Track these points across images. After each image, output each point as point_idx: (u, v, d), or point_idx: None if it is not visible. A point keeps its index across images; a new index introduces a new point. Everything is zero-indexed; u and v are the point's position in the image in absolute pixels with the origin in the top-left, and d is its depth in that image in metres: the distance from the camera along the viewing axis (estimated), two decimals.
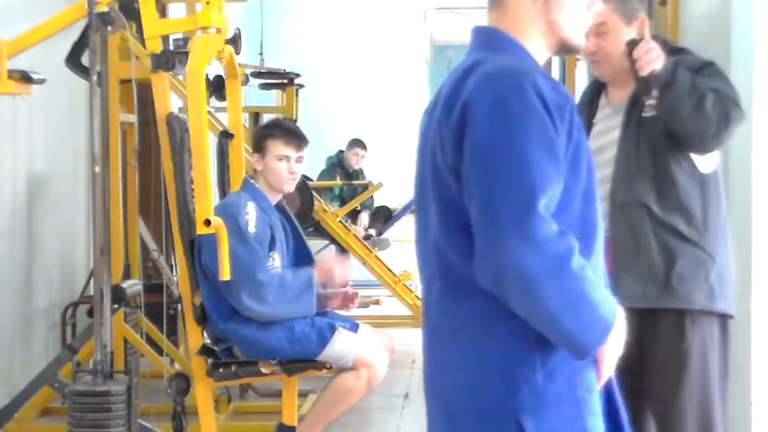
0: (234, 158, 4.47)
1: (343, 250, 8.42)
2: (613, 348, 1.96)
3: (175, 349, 5.70)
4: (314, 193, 7.22)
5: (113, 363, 4.15)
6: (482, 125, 1.92)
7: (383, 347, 4.30)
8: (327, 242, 7.94)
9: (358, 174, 9.52)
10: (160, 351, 5.15)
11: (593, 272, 1.94)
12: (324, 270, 4.26)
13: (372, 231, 9.03)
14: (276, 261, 4.14)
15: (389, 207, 9.43)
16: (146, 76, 4.29)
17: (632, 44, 2.89)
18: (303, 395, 5.31)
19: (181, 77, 4.83)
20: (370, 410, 5.66)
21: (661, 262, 2.99)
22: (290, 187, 4.34)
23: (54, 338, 6.08)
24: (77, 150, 6.49)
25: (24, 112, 5.56)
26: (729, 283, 3.05)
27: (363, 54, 11.39)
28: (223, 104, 4.65)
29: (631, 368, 2.14)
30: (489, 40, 2.10)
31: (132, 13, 4.30)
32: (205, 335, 4.23)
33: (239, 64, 4.58)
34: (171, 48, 4.31)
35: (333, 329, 4.11)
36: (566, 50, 2.16)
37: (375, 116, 11.15)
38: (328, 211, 7.30)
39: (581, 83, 4.94)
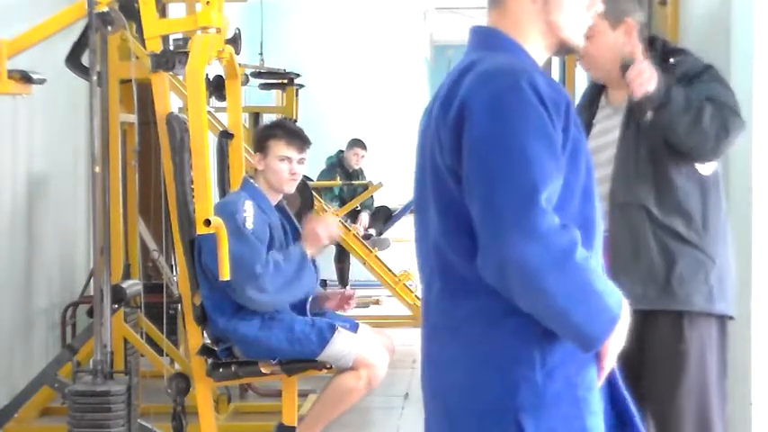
0: (234, 158, 4.47)
1: (342, 250, 8.44)
2: (617, 341, 1.96)
3: (175, 349, 5.70)
4: (314, 193, 7.22)
5: (113, 363, 4.15)
6: (480, 123, 1.92)
7: (383, 348, 4.31)
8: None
9: (358, 174, 9.53)
10: (160, 351, 5.15)
11: None
12: (311, 237, 4.22)
13: (372, 231, 9.04)
14: None
15: (389, 207, 9.44)
16: (146, 76, 4.29)
17: (625, 67, 2.88)
18: (303, 395, 5.31)
19: (181, 77, 4.83)
20: (370, 410, 5.66)
21: (661, 263, 2.99)
22: (291, 188, 4.34)
23: (54, 338, 6.08)
24: (77, 150, 6.49)
25: (24, 112, 5.56)
26: (729, 284, 3.05)
27: (363, 54, 11.39)
28: (223, 104, 4.65)
29: (630, 368, 2.14)
30: (487, 39, 2.11)
31: (132, 13, 4.30)
32: (205, 335, 4.23)
33: (239, 64, 4.58)
34: (171, 48, 4.31)
35: (333, 329, 4.11)
36: (565, 51, 2.16)
37: (375, 116, 11.15)
38: (328, 211, 7.30)
39: (581, 83, 4.94)
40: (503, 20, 2.09)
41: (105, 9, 4.07)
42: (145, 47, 4.27)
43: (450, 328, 2.03)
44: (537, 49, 2.09)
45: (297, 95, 7.61)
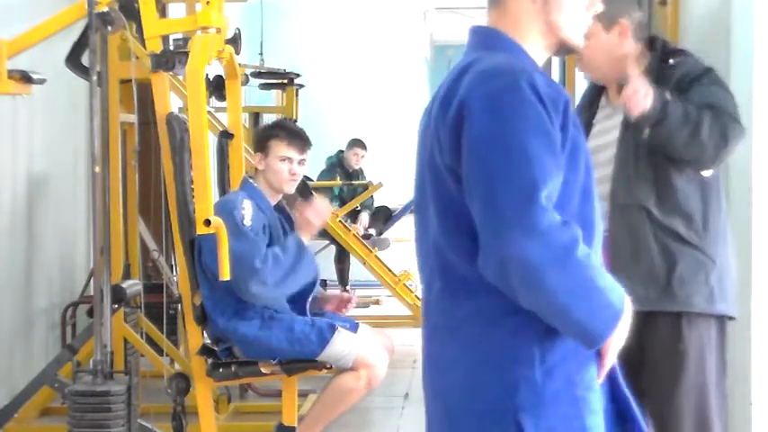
0: (234, 158, 4.47)
1: (342, 250, 8.44)
2: (618, 338, 1.96)
3: (175, 349, 5.70)
4: (314, 194, 7.21)
5: (113, 363, 4.15)
6: (479, 122, 1.92)
7: (383, 348, 4.31)
8: (327, 242, 7.95)
9: (358, 174, 9.53)
10: (160, 351, 5.15)
11: None
12: (304, 225, 4.22)
13: (372, 231, 9.04)
14: None
15: (389, 207, 9.44)
16: (146, 76, 4.29)
17: (619, 87, 2.87)
18: (303, 395, 5.31)
19: (181, 77, 4.83)
20: (370, 410, 5.66)
21: (662, 265, 2.99)
22: (291, 188, 4.34)
23: (54, 338, 6.08)
24: (77, 150, 6.50)
25: (24, 112, 5.56)
26: (729, 284, 3.05)
27: (363, 54, 11.39)
28: (223, 104, 4.65)
29: (629, 368, 2.14)
30: (486, 39, 2.11)
31: (132, 13, 4.30)
32: (205, 335, 4.23)
33: (239, 64, 4.58)
34: (171, 48, 4.31)
35: (333, 330, 4.11)
36: (565, 51, 2.16)
37: (375, 116, 11.15)
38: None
39: (581, 83, 4.94)
40: (502, 20, 2.09)
41: (105, 9, 4.07)
42: (145, 47, 4.27)
43: (450, 328, 2.03)
44: (536, 49, 2.09)
45: (297, 95, 7.61)
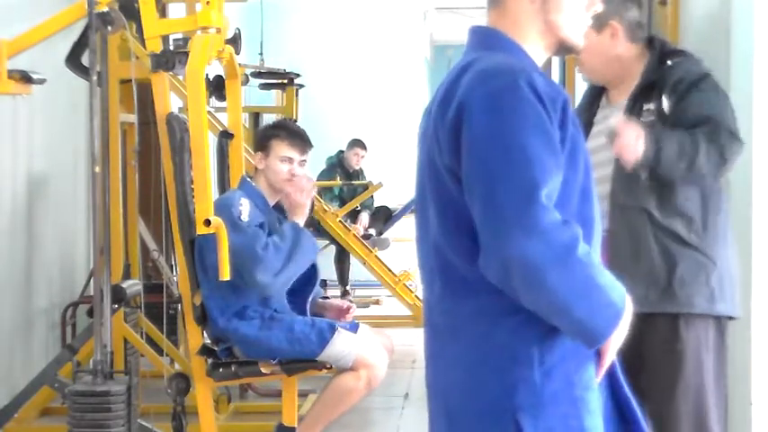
0: (234, 158, 4.47)
1: (342, 250, 8.44)
2: (618, 337, 1.96)
3: (175, 349, 5.70)
4: (314, 194, 7.21)
5: (113, 363, 4.15)
6: (479, 122, 1.92)
7: (383, 348, 4.31)
8: (327, 242, 7.94)
9: (358, 174, 9.53)
10: (160, 351, 5.15)
11: None
12: (293, 207, 4.21)
13: (372, 231, 9.04)
14: None
15: (389, 207, 9.44)
16: (146, 76, 4.29)
17: (611, 136, 2.87)
18: (303, 395, 5.31)
19: (181, 77, 4.83)
20: (370, 410, 5.66)
21: (662, 266, 2.99)
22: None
23: (54, 338, 6.08)
24: (77, 150, 6.50)
25: (24, 112, 5.56)
26: (730, 285, 3.05)
27: (363, 54, 11.39)
28: (223, 104, 4.65)
29: (628, 368, 2.14)
30: (486, 39, 2.11)
31: (132, 13, 4.30)
32: (205, 335, 4.24)
33: (239, 64, 4.58)
34: (171, 48, 4.31)
35: (333, 330, 4.11)
36: (564, 50, 2.16)
37: (375, 116, 11.16)
38: (328, 211, 7.30)
39: (581, 83, 4.94)
40: (502, 20, 2.09)
41: (105, 9, 4.07)
42: (145, 47, 4.27)
43: (451, 328, 2.03)
44: (536, 48, 2.09)
45: (297, 95, 7.61)
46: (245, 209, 4.07)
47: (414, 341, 6.28)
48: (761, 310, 3.56)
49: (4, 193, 5.53)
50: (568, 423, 1.95)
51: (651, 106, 3.02)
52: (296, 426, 4.33)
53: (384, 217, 9.31)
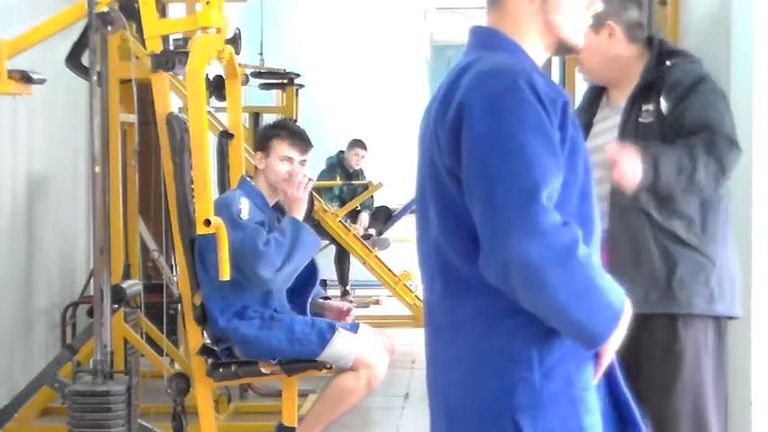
0: (234, 158, 4.47)
1: (342, 250, 8.44)
2: (616, 338, 1.96)
3: (175, 349, 5.70)
4: (314, 194, 7.22)
5: (113, 363, 4.15)
6: (479, 123, 1.92)
7: (383, 348, 4.31)
8: (327, 242, 7.94)
9: (358, 174, 9.53)
10: (160, 351, 5.15)
11: None
12: (290, 203, 4.20)
13: (372, 231, 9.04)
14: None
15: (389, 207, 9.44)
16: (146, 76, 4.29)
17: (608, 165, 2.86)
18: (303, 395, 5.31)
19: (181, 77, 4.83)
20: (370, 410, 5.66)
21: (662, 267, 2.99)
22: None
23: (54, 338, 6.08)
24: (77, 150, 6.50)
25: (24, 112, 5.56)
26: (729, 285, 3.05)
27: (363, 54, 11.39)
28: (223, 104, 4.65)
29: (626, 369, 2.14)
30: (486, 39, 2.11)
31: (132, 13, 4.30)
32: (205, 335, 4.24)
33: (239, 64, 4.58)
34: (171, 48, 4.31)
35: (333, 330, 4.11)
36: (564, 50, 2.16)
37: (375, 116, 11.16)
38: (328, 211, 7.30)
39: (581, 83, 4.94)
40: (502, 20, 2.09)
41: (105, 9, 4.07)
42: (145, 47, 4.27)
43: (452, 328, 2.03)
44: (536, 49, 2.09)
45: (297, 95, 7.61)
46: (244, 207, 4.08)
47: (414, 341, 6.29)
48: (761, 310, 3.56)
49: (4, 193, 5.53)
50: (567, 423, 1.96)
51: (650, 107, 3.02)
52: (296, 426, 4.33)
53: (384, 217, 9.31)
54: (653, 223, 2.99)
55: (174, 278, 5.81)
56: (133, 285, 4.78)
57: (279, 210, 4.33)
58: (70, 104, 6.31)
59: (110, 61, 4.81)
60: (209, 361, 4.14)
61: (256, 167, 4.36)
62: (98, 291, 4.23)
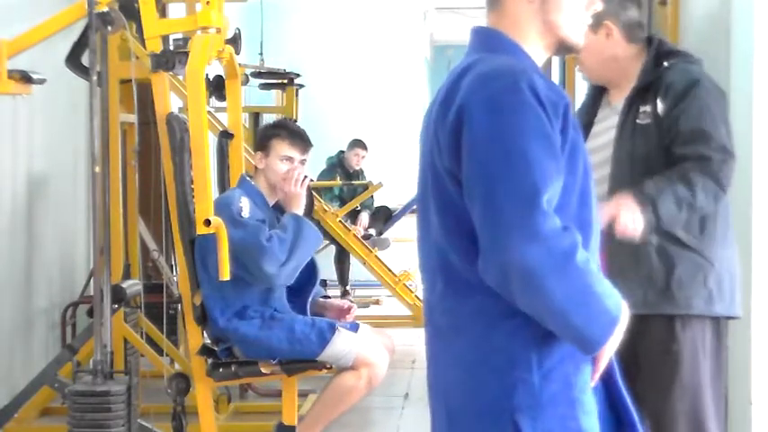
0: (234, 158, 4.47)
1: (342, 250, 8.44)
2: (613, 343, 1.96)
3: (175, 349, 5.70)
4: (314, 194, 7.22)
5: (113, 363, 4.15)
6: (479, 125, 1.92)
7: (383, 347, 4.31)
8: (327, 242, 7.94)
9: (358, 174, 9.53)
10: (160, 351, 5.15)
11: None
12: (289, 199, 4.21)
13: (372, 231, 9.04)
14: None
15: (389, 207, 9.44)
16: (146, 76, 4.29)
17: (610, 222, 2.86)
18: (303, 395, 5.31)
19: (181, 77, 4.83)
20: (370, 410, 5.66)
21: (660, 268, 2.99)
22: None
23: (54, 338, 6.08)
24: (77, 150, 6.50)
25: (24, 112, 5.56)
26: (730, 285, 3.05)
27: (363, 54, 11.39)
28: (223, 104, 4.65)
29: (624, 369, 2.14)
30: (488, 40, 2.11)
31: (132, 13, 4.30)
32: (205, 335, 4.24)
33: (239, 64, 4.58)
34: (171, 48, 4.31)
35: (333, 329, 4.11)
36: (564, 50, 2.16)
37: (375, 116, 11.15)
38: (328, 211, 7.30)
39: (581, 84, 4.94)
40: (501, 20, 2.09)
41: (105, 9, 4.07)
42: (145, 47, 4.27)
43: (454, 327, 2.03)
44: (536, 49, 2.09)
45: (297, 95, 7.61)
46: (245, 206, 4.08)
47: (414, 341, 6.29)
48: (761, 310, 3.56)
49: (4, 193, 5.53)
50: (566, 424, 1.96)
51: (647, 108, 3.02)
52: (296, 425, 4.33)
53: (384, 217, 9.30)
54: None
55: (174, 278, 5.81)
56: (133, 285, 4.78)
57: (279, 210, 4.33)
58: (70, 104, 6.31)
59: (110, 61, 4.81)
60: (209, 361, 4.14)
61: (256, 167, 4.36)
62: (98, 291, 4.23)
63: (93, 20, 4.05)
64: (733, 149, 2.95)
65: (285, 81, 7.58)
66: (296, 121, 7.06)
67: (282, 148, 4.29)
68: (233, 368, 4.13)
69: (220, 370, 4.13)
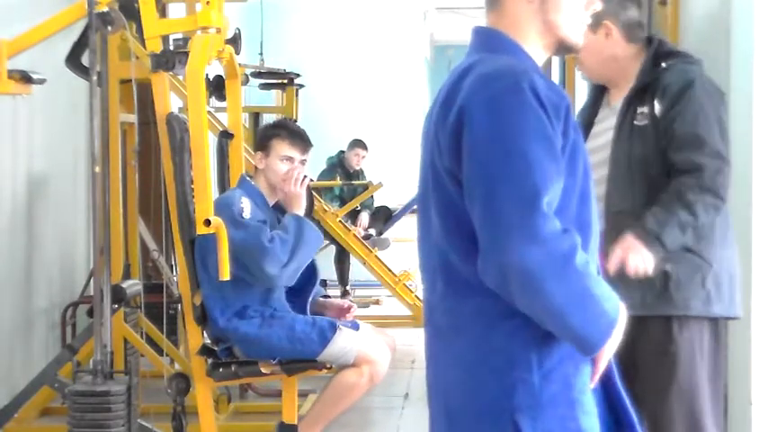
0: (234, 158, 4.47)
1: (342, 250, 8.44)
2: (612, 345, 1.96)
3: (175, 349, 5.70)
4: (314, 194, 7.21)
5: (113, 363, 4.15)
6: (480, 126, 1.92)
7: (384, 344, 4.31)
8: (327, 242, 7.95)
9: (358, 174, 9.53)
10: (160, 351, 5.15)
11: None
12: (289, 200, 4.21)
13: (372, 231, 9.04)
14: None
15: (389, 207, 9.44)
16: (146, 76, 4.29)
17: (620, 267, 2.87)
18: (303, 395, 5.31)
19: (181, 77, 4.83)
20: (370, 410, 5.66)
21: (659, 270, 2.99)
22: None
23: (54, 338, 6.08)
24: (77, 150, 6.49)
25: (24, 112, 5.56)
26: (729, 285, 3.05)
27: (363, 54, 11.39)
28: (223, 104, 4.65)
29: (623, 370, 2.14)
30: (489, 40, 2.11)
31: (132, 13, 4.30)
32: (205, 335, 4.23)
33: (239, 64, 4.58)
34: (171, 48, 4.31)
35: (333, 328, 4.12)
36: (564, 50, 2.16)
37: (375, 116, 11.15)
38: (328, 211, 7.30)
39: (581, 83, 4.94)
40: (501, 20, 2.09)
41: (105, 9, 4.07)
42: (145, 47, 4.27)
43: (454, 327, 2.03)
44: (536, 49, 2.09)
45: (297, 95, 7.61)
46: (246, 207, 4.08)
47: (414, 341, 6.28)
48: (761, 310, 3.56)
49: (4, 193, 5.53)
50: (566, 425, 1.96)
51: (645, 109, 3.01)
52: (297, 424, 4.33)
53: (384, 217, 9.30)
54: None
55: (174, 278, 5.81)
56: (133, 285, 4.78)
57: (279, 210, 4.33)
58: (70, 104, 6.31)
59: (110, 61, 4.81)
60: (209, 361, 4.14)
61: (256, 167, 4.36)
62: (98, 291, 4.23)
63: (93, 20, 4.05)
64: (727, 154, 2.95)
65: (285, 81, 7.58)
66: (296, 121, 7.06)
67: (282, 148, 4.29)
68: (233, 368, 4.13)
69: (220, 370, 4.13)
